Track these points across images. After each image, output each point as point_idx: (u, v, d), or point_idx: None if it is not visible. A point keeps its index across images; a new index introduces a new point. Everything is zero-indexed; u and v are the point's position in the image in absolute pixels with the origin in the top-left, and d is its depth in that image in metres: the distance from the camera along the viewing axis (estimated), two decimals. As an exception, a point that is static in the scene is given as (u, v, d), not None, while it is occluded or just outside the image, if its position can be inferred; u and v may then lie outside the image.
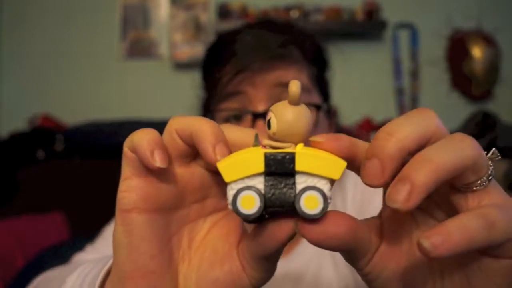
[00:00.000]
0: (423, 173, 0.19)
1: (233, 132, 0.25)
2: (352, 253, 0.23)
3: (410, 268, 0.24)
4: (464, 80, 1.97)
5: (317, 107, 0.55)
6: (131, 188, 0.25)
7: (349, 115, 1.84)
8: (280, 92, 0.53)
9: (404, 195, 0.19)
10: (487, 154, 0.22)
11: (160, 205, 0.25)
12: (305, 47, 0.58)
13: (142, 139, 0.23)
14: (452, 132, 0.22)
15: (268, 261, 0.25)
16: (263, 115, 0.52)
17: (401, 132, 0.21)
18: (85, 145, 1.69)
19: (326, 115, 0.59)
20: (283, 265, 0.59)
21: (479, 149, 0.21)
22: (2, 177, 1.50)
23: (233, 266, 0.26)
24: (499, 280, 0.22)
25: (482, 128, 1.60)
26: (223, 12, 1.90)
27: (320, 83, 0.60)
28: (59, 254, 1.13)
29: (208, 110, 0.60)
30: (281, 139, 0.22)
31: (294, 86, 0.22)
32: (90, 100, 2.00)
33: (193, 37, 1.97)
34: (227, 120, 0.55)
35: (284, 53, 0.55)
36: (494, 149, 0.23)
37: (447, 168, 0.20)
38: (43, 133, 1.71)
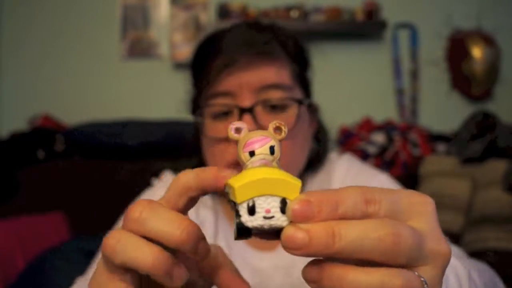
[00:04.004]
0: (327, 285, 0.23)
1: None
2: None
3: None
4: (464, 80, 1.97)
5: (299, 102, 0.59)
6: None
7: (349, 115, 1.84)
8: (265, 92, 0.57)
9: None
10: None
11: None
12: (288, 45, 0.61)
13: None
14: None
15: None
16: (249, 110, 0.55)
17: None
18: (85, 145, 1.69)
19: (308, 111, 0.63)
20: (273, 258, 0.61)
21: None
22: (2, 177, 1.50)
23: None
24: None
25: (482, 128, 1.60)
26: (223, 12, 1.90)
27: (301, 80, 0.63)
28: (59, 255, 1.13)
29: (197, 106, 0.63)
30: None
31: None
32: (90, 100, 2.00)
33: (193, 37, 1.97)
34: (216, 116, 0.58)
35: (267, 50, 0.58)
36: None
37: None
38: (43, 133, 1.71)
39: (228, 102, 0.57)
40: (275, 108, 0.57)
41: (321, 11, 1.91)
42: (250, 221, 0.24)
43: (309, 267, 0.23)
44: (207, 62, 0.59)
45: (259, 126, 0.55)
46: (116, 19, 2.02)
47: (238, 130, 0.27)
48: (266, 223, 0.24)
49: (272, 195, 0.24)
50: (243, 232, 0.24)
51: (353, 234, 0.22)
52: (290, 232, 0.22)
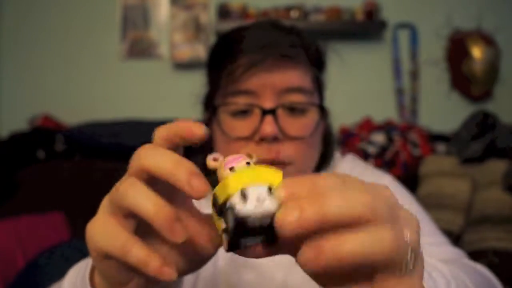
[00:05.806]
0: (326, 259, 0.23)
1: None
2: None
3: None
4: (464, 80, 1.97)
5: (320, 107, 0.60)
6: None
7: (349, 115, 1.84)
8: (287, 95, 0.57)
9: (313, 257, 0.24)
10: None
11: None
12: (310, 50, 0.61)
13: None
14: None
15: None
16: (271, 111, 0.55)
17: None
18: (85, 145, 1.69)
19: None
20: (274, 256, 0.60)
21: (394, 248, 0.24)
22: (2, 177, 1.51)
23: None
24: None
25: (482, 128, 1.60)
26: (223, 12, 1.90)
27: (319, 85, 0.63)
28: (58, 255, 1.13)
29: (211, 104, 0.62)
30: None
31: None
32: (90, 100, 2.00)
33: (193, 37, 1.97)
34: (233, 115, 0.58)
35: (293, 54, 0.58)
36: None
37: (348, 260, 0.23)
38: (43, 133, 1.71)
39: (250, 101, 0.57)
40: (295, 111, 0.58)
41: (321, 11, 1.91)
42: (245, 209, 0.25)
43: (303, 249, 0.24)
44: (229, 60, 0.59)
45: (280, 127, 0.56)
46: (116, 19, 2.02)
47: (215, 159, 0.31)
48: (258, 209, 0.25)
49: (260, 184, 0.26)
50: (238, 227, 0.26)
51: (337, 198, 0.24)
52: (283, 211, 0.24)
